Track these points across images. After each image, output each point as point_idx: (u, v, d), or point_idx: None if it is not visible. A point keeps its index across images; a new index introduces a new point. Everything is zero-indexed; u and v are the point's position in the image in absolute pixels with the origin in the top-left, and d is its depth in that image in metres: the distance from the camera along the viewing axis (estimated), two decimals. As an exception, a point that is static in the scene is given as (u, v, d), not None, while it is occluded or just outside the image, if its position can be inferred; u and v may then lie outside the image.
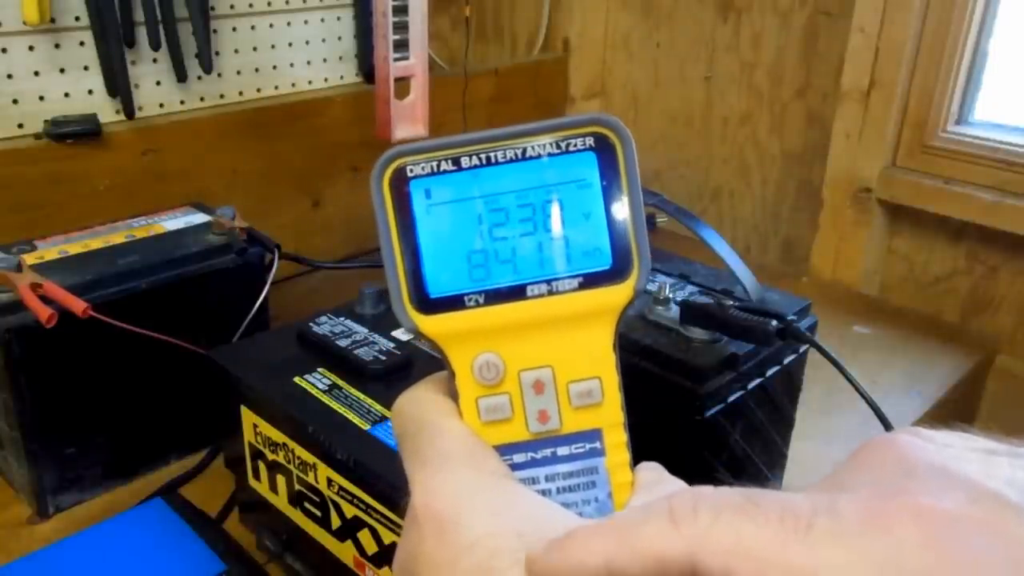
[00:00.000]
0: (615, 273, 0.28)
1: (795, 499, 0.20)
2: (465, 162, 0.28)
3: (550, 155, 0.28)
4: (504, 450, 0.29)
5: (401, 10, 0.95)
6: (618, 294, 0.28)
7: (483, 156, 0.28)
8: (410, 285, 0.28)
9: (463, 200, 0.28)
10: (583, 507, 0.29)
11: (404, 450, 0.29)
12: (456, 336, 0.29)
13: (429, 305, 0.28)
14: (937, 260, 1.12)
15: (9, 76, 0.90)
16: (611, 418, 0.29)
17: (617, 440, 0.29)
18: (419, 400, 0.30)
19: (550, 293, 0.28)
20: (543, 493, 0.29)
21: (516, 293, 0.28)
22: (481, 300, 0.28)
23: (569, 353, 0.29)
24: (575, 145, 0.28)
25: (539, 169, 0.28)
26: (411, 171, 0.28)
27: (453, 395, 0.29)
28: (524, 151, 0.28)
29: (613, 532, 0.22)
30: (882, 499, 0.19)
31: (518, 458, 0.29)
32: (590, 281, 0.28)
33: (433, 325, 0.29)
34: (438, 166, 0.28)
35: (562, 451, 0.29)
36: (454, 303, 0.28)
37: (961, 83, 1.05)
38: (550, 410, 0.29)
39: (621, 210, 0.28)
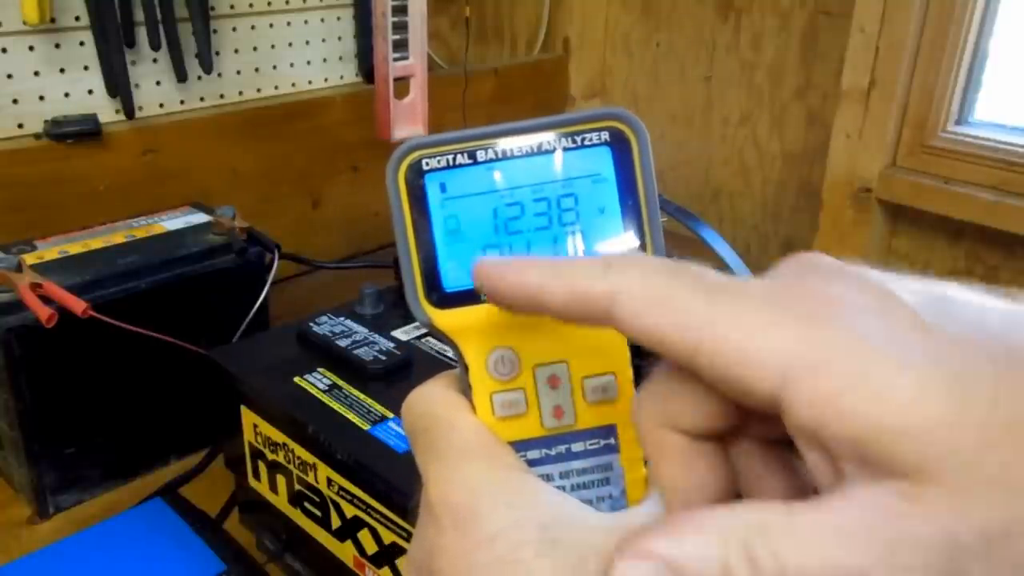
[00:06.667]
0: None
1: (711, 272, 0.23)
2: (481, 156, 0.28)
3: (565, 149, 0.28)
4: (518, 446, 0.28)
5: (401, 10, 0.95)
6: None
7: (499, 150, 0.28)
8: (425, 279, 0.28)
9: (478, 194, 0.28)
10: (597, 504, 0.29)
11: (417, 446, 0.29)
12: (471, 331, 0.28)
13: (444, 299, 0.28)
14: (937, 260, 1.12)
15: (9, 76, 0.90)
16: (626, 414, 0.29)
17: (632, 436, 0.29)
18: (430, 396, 0.30)
19: None
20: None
21: None
22: None
23: (584, 348, 0.28)
24: (590, 140, 0.28)
25: (554, 163, 0.28)
26: (427, 164, 0.28)
27: (465, 391, 0.29)
28: (540, 145, 0.28)
29: (549, 264, 0.25)
30: (783, 281, 0.22)
31: (532, 454, 0.29)
32: None
33: (448, 319, 0.28)
34: (454, 160, 0.28)
35: (576, 447, 0.29)
36: (469, 297, 0.28)
37: (961, 83, 1.05)
38: (565, 405, 0.29)
39: (635, 205, 0.28)
